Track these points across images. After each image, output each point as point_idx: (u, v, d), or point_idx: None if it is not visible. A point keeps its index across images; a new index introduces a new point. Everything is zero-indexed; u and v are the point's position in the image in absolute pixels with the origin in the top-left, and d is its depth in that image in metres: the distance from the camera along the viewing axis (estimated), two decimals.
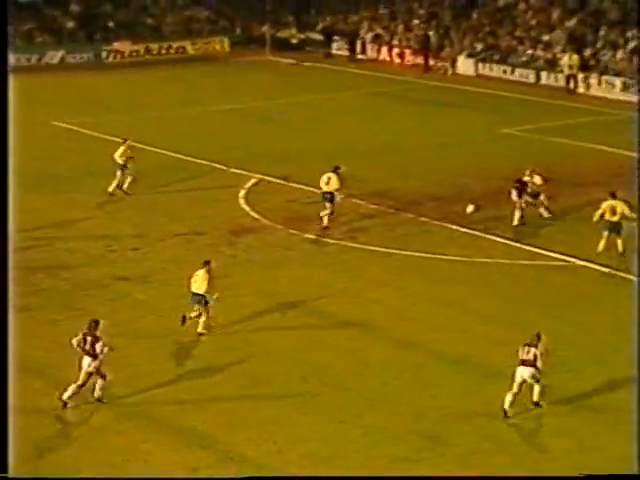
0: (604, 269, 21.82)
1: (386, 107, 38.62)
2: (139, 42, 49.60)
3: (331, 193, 24.35)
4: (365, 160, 30.74)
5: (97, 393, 16.50)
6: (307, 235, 24.33)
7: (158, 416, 16.33)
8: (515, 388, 16.19)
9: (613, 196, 22.57)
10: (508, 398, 16.17)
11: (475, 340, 18.84)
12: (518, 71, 42.35)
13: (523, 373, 16.20)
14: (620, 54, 39.84)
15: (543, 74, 41.42)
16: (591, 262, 22.15)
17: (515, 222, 24.34)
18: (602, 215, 22.34)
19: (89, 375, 16.31)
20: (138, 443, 15.58)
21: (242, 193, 27.63)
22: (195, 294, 18.93)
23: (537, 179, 24.78)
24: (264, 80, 44.42)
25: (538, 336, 16.34)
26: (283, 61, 48.45)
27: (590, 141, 31.72)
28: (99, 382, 16.46)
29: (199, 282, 18.84)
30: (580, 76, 39.79)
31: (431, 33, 46.68)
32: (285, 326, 19.64)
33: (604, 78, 39.26)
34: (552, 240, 23.60)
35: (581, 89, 39.78)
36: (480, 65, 43.90)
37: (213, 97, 40.28)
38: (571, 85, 39.87)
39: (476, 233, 24.21)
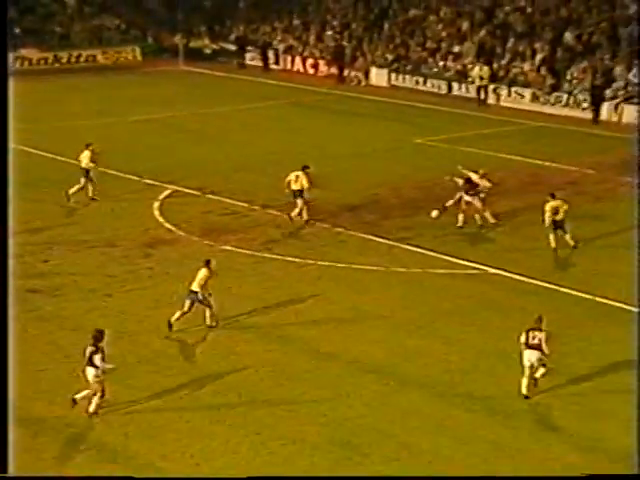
0: (516, 277, 22.20)
1: (301, 118, 38.75)
2: (47, 50, 48.78)
3: (300, 190, 25.42)
4: (280, 171, 30.74)
5: (91, 408, 16.30)
6: (223, 247, 24.21)
7: (71, 430, 16.03)
8: (527, 372, 16.94)
9: (553, 196, 23.46)
10: (524, 382, 16.92)
11: (391, 349, 18.97)
12: (430, 82, 42.92)
13: (531, 357, 16.94)
14: (528, 65, 40.67)
15: (454, 85, 42.04)
16: (503, 270, 22.52)
17: (459, 223, 25.00)
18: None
19: (99, 384, 16.25)
20: (49, 459, 15.27)
21: (156, 204, 27.36)
22: (191, 291, 19.31)
23: (486, 183, 25.27)
24: (178, 90, 44.13)
25: (540, 319, 17.08)
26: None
27: (501, 151, 32.29)
28: (95, 399, 16.28)
29: (197, 280, 19.27)
30: (490, 87, 40.51)
31: (345, 44, 47.01)
32: (201, 337, 19.49)
33: (513, 89, 40.04)
34: (466, 249, 23.94)
35: (491, 100, 40.50)
36: (393, 76, 44.36)
37: (126, 107, 39.85)
38: (482, 96, 40.56)
39: (391, 243, 24.42)
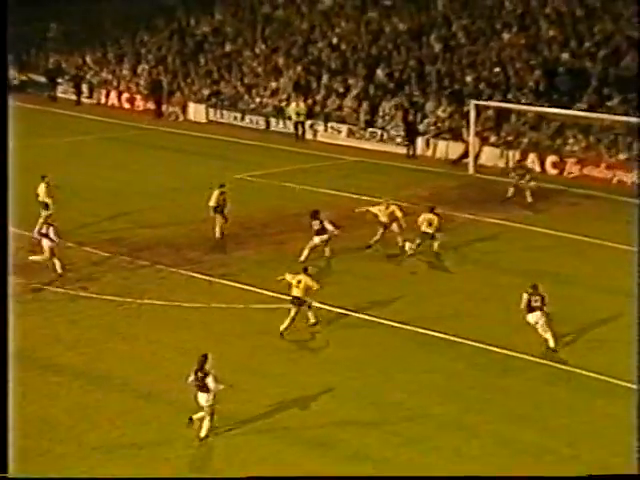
0: (335, 309, 22.37)
1: (117, 153, 38.01)
2: None
3: (218, 206, 26.88)
4: (97, 207, 30.03)
5: (203, 432, 16.61)
6: (36, 285, 23.28)
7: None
8: (544, 333, 19.97)
9: (431, 210, 25.51)
10: (551, 343, 19.97)
11: None
12: (248, 117, 43.08)
13: (532, 318, 20.00)
14: (343, 101, 41.46)
15: (272, 121, 42.36)
16: (323, 303, 22.64)
17: (302, 257, 24.87)
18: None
19: (210, 408, 16.63)
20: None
21: None
22: (295, 297, 20.77)
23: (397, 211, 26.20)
24: None
25: (536, 286, 20.07)
26: None
27: (320, 186, 32.66)
28: (206, 423, 16.59)
29: (301, 287, 20.79)
30: (307, 123, 41.05)
31: (162, 78, 46.59)
32: (12, 380, 18.55)
33: (330, 125, 40.71)
34: (286, 284, 23.92)
35: (309, 135, 41.01)
36: (211, 111, 44.27)
37: None
38: (299, 131, 41.02)
39: (212, 279, 24.19)
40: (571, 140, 34.94)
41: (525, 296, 19.97)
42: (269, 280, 24.07)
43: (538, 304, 19.93)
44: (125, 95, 47.40)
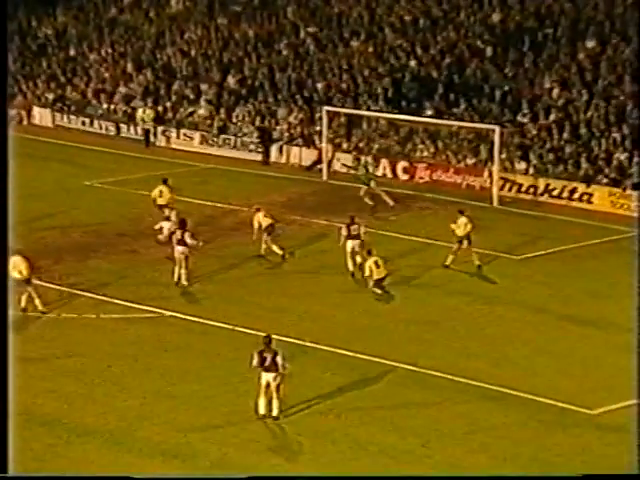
0: (192, 318, 22.16)
1: None
2: None
3: (166, 205, 27.11)
4: None
5: (275, 412, 17.10)
6: None
7: None
8: (349, 260, 23.96)
9: (461, 213, 25.93)
10: (350, 266, 23.93)
11: (64, 399, 18.32)
12: (97, 123, 42.15)
13: (351, 245, 23.84)
14: (195, 108, 41.12)
15: (123, 127, 41.56)
16: (179, 312, 22.43)
17: (182, 282, 23.92)
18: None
19: (278, 387, 17.06)
20: None
21: None
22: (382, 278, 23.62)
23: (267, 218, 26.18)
24: None
25: (353, 217, 24.18)
26: None
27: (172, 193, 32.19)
28: (275, 402, 17.04)
29: (382, 268, 23.18)
30: (160, 129, 40.47)
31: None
32: None
33: (182, 131, 40.28)
34: (141, 293, 23.58)
35: (162, 142, 40.41)
36: (57, 116, 43.09)
37: None
38: (151, 138, 40.43)
39: (62, 288, 23.58)
40: (420, 146, 35.70)
41: (344, 229, 23.87)
42: (123, 289, 23.67)
43: (356, 233, 23.73)
44: None
